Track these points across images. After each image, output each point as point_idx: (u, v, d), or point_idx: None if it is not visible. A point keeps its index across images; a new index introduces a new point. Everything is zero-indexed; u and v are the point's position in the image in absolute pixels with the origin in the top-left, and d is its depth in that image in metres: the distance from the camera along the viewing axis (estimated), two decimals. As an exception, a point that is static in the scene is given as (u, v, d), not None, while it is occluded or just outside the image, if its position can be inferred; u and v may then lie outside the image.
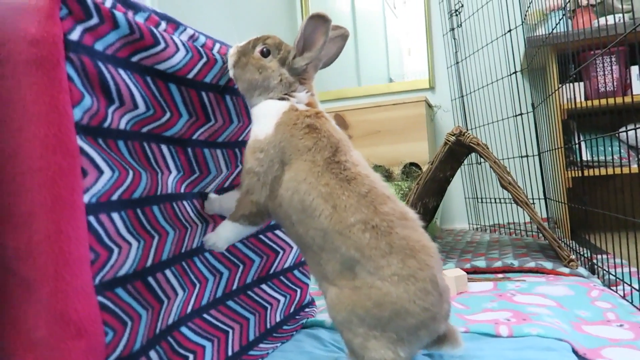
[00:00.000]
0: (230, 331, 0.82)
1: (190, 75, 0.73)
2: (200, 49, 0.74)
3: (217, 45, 0.80)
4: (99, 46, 0.57)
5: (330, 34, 0.73)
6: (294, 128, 0.70)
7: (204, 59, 0.74)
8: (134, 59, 0.63)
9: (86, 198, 0.54)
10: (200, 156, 0.80)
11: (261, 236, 0.95)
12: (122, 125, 0.62)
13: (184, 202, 0.75)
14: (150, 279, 0.65)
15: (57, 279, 0.52)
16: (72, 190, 0.53)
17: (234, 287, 0.87)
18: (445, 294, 0.68)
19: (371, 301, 0.64)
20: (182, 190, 0.76)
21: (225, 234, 0.75)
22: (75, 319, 0.52)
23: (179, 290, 0.71)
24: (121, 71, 0.61)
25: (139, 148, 0.66)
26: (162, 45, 0.66)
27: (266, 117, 0.73)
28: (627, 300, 1.03)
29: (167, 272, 0.69)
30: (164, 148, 0.72)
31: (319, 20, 0.70)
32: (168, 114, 0.70)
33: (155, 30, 0.65)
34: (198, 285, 0.77)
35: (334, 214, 0.66)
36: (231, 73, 0.77)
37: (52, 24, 0.53)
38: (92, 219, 0.55)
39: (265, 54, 0.75)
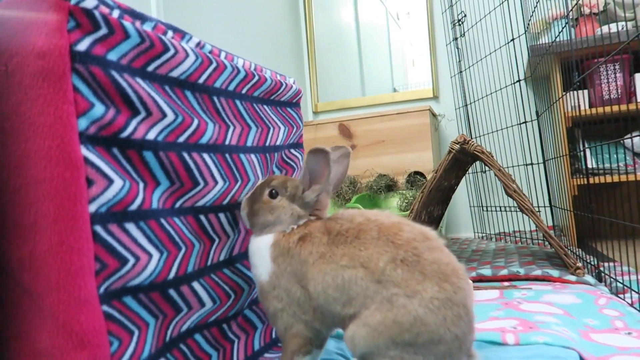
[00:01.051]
0: (236, 340, 0.82)
1: (201, 80, 0.74)
2: (208, 54, 0.75)
3: (223, 53, 0.81)
4: (112, 56, 0.58)
5: (333, 157, 0.76)
6: (290, 251, 0.71)
7: (214, 64, 0.75)
8: (150, 68, 0.64)
9: (92, 208, 0.54)
10: (238, 162, 0.81)
11: None
12: (150, 136, 0.63)
13: (220, 214, 0.76)
14: (172, 291, 0.65)
15: (60, 290, 0.52)
16: (75, 201, 0.53)
17: (256, 296, 0.87)
18: (473, 323, 0.66)
19: (408, 329, 0.62)
20: (223, 203, 0.77)
21: None
22: (78, 329, 0.53)
23: (208, 302, 0.71)
24: (140, 81, 0.62)
25: (177, 158, 0.67)
26: (172, 51, 0.66)
27: (259, 256, 0.74)
28: (635, 308, 1.02)
29: (195, 285, 0.69)
30: (206, 156, 0.73)
31: (318, 153, 0.72)
32: (196, 121, 0.71)
33: (163, 37, 0.66)
34: (233, 296, 0.77)
35: (366, 271, 0.66)
36: (247, 225, 0.77)
37: (59, 37, 0.53)
38: (99, 228, 0.55)
39: (274, 195, 0.76)
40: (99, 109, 0.56)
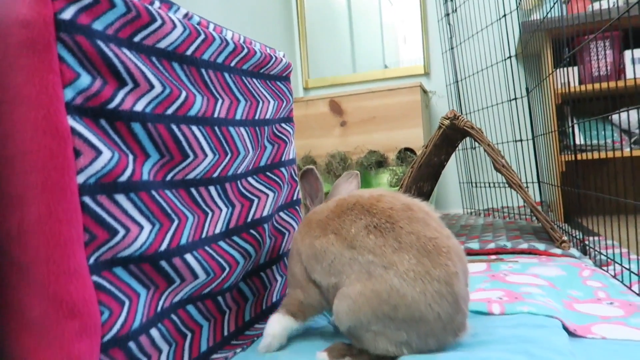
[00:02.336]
0: (228, 311, 0.83)
1: (189, 52, 0.73)
2: (196, 26, 0.74)
3: (212, 25, 0.80)
4: (98, 25, 0.57)
5: (344, 178, 0.88)
6: (299, 233, 0.79)
7: (202, 36, 0.75)
8: (136, 39, 0.64)
9: (81, 179, 0.54)
10: (228, 135, 0.81)
11: (273, 220, 0.97)
12: (137, 108, 0.62)
13: (210, 187, 0.77)
14: (163, 263, 0.65)
15: (49, 261, 0.52)
16: (62, 172, 0.53)
17: (250, 268, 0.88)
18: (462, 304, 0.65)
19: (386, 301, 0.63)
20: (213, 175, 0.77)
21: (271, 329, 0.75)
22: (68, 299, 0.53)
23: (202, 274, 0.72)
24: (126, 51, 0.61)
25: (166, 131, 0.67)
26: (159, 21, 0.66)
27: None
28: (618, 280, 1.05)
29: (188, 257, 0.69)
30: (195, 129, 0.72)
31: (306, 173, 0.84)
32: (184, 93, 0.70)
33: (149, 7, 0.65)
34: (228, 269, 0.78)
35: (337, 237, 0.70)
36: None
37: (42, 5, 0.52)
38: (87, 199, 0.55)
39: None
40: (85, 79, 0.55)
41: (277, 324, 0.75)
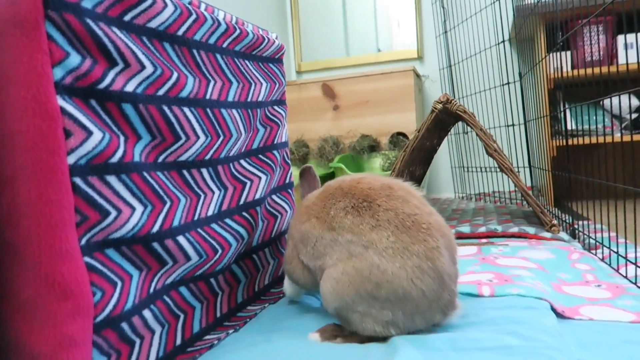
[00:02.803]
0: (220, 293, 0.83)
1: (180, 33, 0.72)
2: (187, 5, 0.73)
3: (203, 5, 0.79)
4: (87, 4, 0.56)
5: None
6: (293, 219, 0.83)
7: (193, 16, 0.74)
8: (126, 18, 0.62)
9: (71, 160, 0.54)
10: (220, 117, 0.80)
11: (266, 203, 0.97)
12: (128, 88, 0.62)
13: (202, 170, 0.77)
14: (156, 245, 0.65)
15: (40, 242, 0.52)
16: (52, 153, 0.52)
17: (243, 251, 0.89)
18: (447, 279, 0.64)
19: (368, 278, 0.63)
20: (205, 158, 0.77)
21: (285, 286, 0.88)
22: (61, 281, 0.53)
23: (194, 256, 0.72)
24: (116, 30, 0.60)
25: (157, 112, 0.66)
26: (150, 0, 0.65)
27: None
28: (606, 263, 1.06)
29: (180, 239, 0.69)
30: (187, 111, 0.72)
31: (304, 171, 0.90)
32: (176, 74, 0.70)
33: None
34: (220, 251, 0.78)
35: (318, 220, 0.72)
36: None
37: (30, -18, 0.51)
38: (78, 181, 0.55)
39: None
40: (74, 58, 0.55)
41: (287, 282, 0.87)
